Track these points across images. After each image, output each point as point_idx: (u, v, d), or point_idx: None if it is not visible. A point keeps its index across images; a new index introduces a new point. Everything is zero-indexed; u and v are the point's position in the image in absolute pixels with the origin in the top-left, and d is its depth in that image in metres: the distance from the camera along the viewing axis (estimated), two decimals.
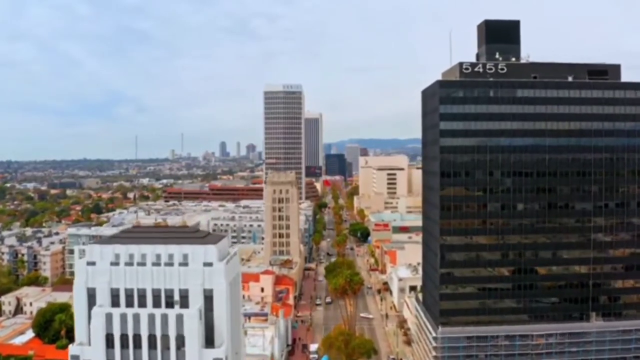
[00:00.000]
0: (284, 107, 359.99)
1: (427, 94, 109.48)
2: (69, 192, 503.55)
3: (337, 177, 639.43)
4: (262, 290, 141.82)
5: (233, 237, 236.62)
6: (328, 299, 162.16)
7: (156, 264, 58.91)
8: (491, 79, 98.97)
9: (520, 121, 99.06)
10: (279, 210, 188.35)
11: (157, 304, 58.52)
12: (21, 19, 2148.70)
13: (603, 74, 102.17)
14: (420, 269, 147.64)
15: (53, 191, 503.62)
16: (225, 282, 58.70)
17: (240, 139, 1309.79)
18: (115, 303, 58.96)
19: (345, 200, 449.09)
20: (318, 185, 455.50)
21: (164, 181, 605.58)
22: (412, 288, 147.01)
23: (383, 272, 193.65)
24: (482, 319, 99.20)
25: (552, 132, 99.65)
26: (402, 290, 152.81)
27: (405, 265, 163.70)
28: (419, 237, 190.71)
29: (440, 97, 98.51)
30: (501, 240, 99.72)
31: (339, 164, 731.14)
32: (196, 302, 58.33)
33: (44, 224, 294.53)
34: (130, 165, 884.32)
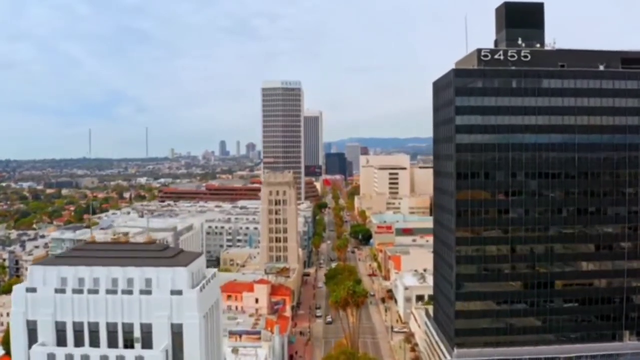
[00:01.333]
0: (283, 104, 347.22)
1: (439, 86, 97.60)
2: (64, 191, 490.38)
3: (338, 177, 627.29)
4: (257, 301, 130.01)
5: (228, 240, 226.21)
6: (329, 319, 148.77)
7: (112, 291, 46.81)
8: (513, 68, 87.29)
9: (547, 115, 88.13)
10: (276, 212, 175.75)
11: (112, 343, 46.51)
12: (21, 19, 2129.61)
13: (639, 63, 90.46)
14: (427, 276, 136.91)
15: (49, 191, 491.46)
16: (198, 315, 46.54)
17: (240, 138, 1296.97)
18: (60, 341, 47.01)
19: (345, 200, 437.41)
20: (318, 185, 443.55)
21: (162, 180, 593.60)
22: (419, 297, 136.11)
23: (387, 278, 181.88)
24: (503, 339, 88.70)
25: (582, 128, 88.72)
26: (408, 299, 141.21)
27: (411, 271, 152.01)
28: (423, 240, 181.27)
29: (456, 88, 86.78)
30: (525, 250, 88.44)
31: (339, 163, 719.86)
32: (162, 340, 46.20)
33: (34, 225, 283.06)
34: (130, 164, 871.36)
